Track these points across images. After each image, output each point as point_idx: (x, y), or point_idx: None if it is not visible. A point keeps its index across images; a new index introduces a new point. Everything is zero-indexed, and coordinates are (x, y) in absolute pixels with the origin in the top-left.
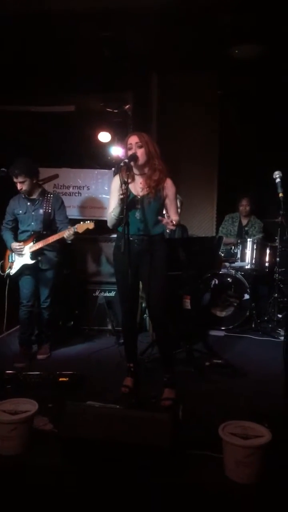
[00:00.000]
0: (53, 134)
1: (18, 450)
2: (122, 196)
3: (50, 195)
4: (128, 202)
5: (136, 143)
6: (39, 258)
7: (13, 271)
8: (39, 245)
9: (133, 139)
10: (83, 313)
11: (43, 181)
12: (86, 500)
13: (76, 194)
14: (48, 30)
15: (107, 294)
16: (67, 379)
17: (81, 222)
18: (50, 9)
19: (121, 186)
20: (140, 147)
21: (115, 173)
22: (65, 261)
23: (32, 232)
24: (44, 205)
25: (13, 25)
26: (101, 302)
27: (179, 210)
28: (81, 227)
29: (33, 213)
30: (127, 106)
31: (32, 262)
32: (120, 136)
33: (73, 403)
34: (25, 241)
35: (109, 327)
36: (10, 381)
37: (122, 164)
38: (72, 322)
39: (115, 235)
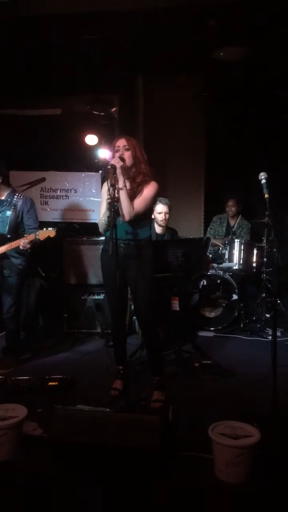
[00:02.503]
0: (39, 137)
1: (8, 456)
2: (109, 200)
3: (20, 196)
4: (115, 206)
5: (124, 146)
6: (1, 263)
7: None
8: (2, 249)
9: (121, 142)
10: (72, 316)
11: (30, 184)
12: (76, 505)
13: (64, 197)
14: (34, 33)
15: (96, 297)
16: (57, 383)
17: (44, 229)
18: (36, 13)
19: (108, 190)
20: (128, 150)
21: (102, 177)
22: (53, 265)
23: None
24: (13, 207)
25: None
26: (90, 305)
27: (167, 216)
28: (42, 234)
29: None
30: (114, 109)
31: None
32: (107, 139)
33: (62, 407)
34: None
35: (98, 330)
36: None
37: (109, 167)
38: (60, 326)
39: (103, 238)
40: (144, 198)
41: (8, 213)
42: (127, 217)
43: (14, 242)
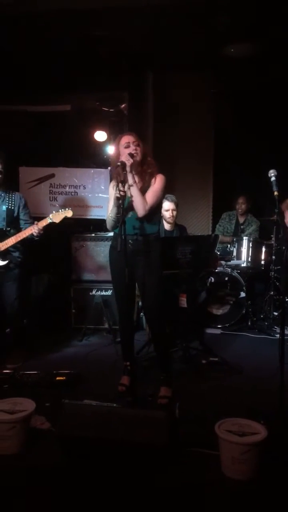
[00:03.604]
0: (49, 133)
1: (16, 450)
2: (118, 195)
3: (13, 192)
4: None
5: (133, 142)
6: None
7: None
8: (9, 243)
9: (129, 138)
10: (80, 312)
11: (39, 180)
12: (84, 499)
13: (72, 193)
14: (44, 29)
15: (103, 293)
16: (64, 378)
17: (60, 211)
18: (46, 9)
19: (117, 186)
20: (138, 145)
21: (111, 173)
22: (61, 260)
23: None
24: (7, 201)
25: (8, 25)
26: (97, 301)
27: (174, 213)
28: (57, 216)
29: None
30: (123, 105)
31: (4, 263)
32: (116, 135)
33: (70, 402)
34: None
35: (106, 326)
36: (7, 380)
37: (119, 163)
38: (68, 321)
39: (111, 234)
40: (155, 191)
41: (4, 207)
42: (142, 212)
43: (23, 232)
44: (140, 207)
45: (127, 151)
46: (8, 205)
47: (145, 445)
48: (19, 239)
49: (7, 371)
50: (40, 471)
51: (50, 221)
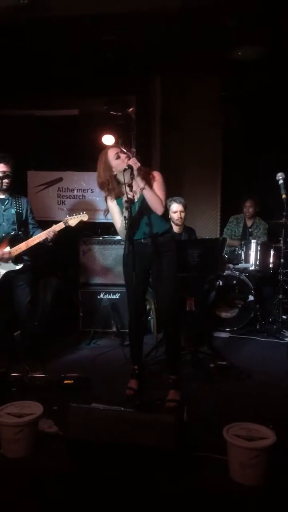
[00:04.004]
0: (57, 137)
1: (24, 453)
2: (126, 199)
3: (19, 196)
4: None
5: (120, 151)
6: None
7: None
8: (22, 247)
9: (116, 150)
10: (88, 315)
11: (47, 184)
12: (91, 502)
13: (80, 197)
14: (51, 34)
15: (111, 296)
16: (72, 381)
17: (74, 215)
18: (53, 14)
19: (125, 190)
20: (124, 153)
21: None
22: (69, 264)
23: (4, 234)
24: (15, 205)
25: (17, 30)
26: (105, 305)
27: (182, 214)
28: (73, 220)
29: (4, 213)
30: (131, 109)
31: (19, 267)
32: (124, 139)
33: (78, 405)
34: None
35: (114, 329)
36: (15, 383)
37: (126, 167)
38: (76, 325)
39: (119, 237)
40: (159, 185)
41: (13, 211)
42: (161, 209)
43: (37, 236)
44: (158, 205)
45: (120, 161)
46: (17, 209)
47: (153, 449)
48: (33, 243)
49: (39, 375)
50: (48, 474)
51: (66, 225)
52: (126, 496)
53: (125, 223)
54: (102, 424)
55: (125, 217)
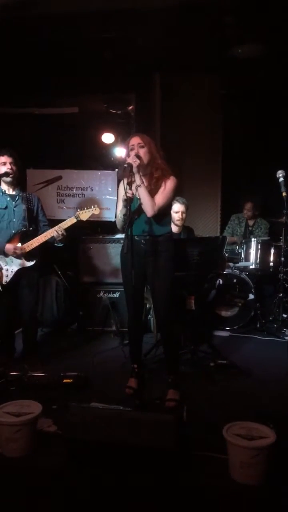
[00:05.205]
0: (56, 135)
1: (22, 452)
2: (125, 197)
3: (29, 192)
4: (132, 203)
5: (138, 143)
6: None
7: (7, 279)
8: (34, 244)
9: (135, 140)
10: (87, 314)
11: (46, 182)
12: (90, 502)
13: (80, 195)
14: (51, 32)
15: (111, 295)
16: (71, 380)
17: (85, 209)
18: (53, 11)
19: (124, 188)
20: (142, 147)
21: (118, 175)
22: (68, 263)
23: (15, 231)
24: (25, 201)
25: (16, 28)
26: (105, 303)
27: (184, 215)
28: (84, 214)
29: (15, 208)
30: (130, 107)
31: (31, 263)
32: (123, 137)
33: (77, 404)
34: (9, 241)
35: (113, 328)
36: (14, 382)
37: (125, 165)
38: (76, 323)
39: (119, 236)
40: (164, 192)
41: (24, 206)
42: (150, 213)
43: (48, 232)
44: (148, 207)
45: (132, 153)
46: (27, 205)
47: (152, 448)
48: (44, 239)
49: (39, 374)
50: (47, 473)
51: (78, 219)
52: (125, 496)
53: (124, 218)
54: (101, 424)
55: (124, 214)
